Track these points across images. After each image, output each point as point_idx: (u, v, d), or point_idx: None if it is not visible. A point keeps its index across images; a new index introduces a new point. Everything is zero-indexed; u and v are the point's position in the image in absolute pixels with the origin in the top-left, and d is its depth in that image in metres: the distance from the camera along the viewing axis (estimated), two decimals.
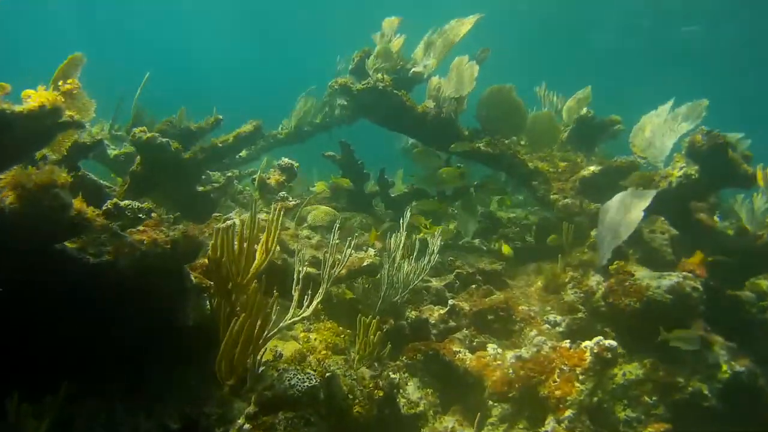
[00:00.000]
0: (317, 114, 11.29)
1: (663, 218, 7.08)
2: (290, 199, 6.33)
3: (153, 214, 4.92)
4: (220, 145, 7.89)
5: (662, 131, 7.10)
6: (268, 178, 6.95)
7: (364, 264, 5.95)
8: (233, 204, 8.73)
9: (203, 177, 8.76)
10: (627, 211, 6.14)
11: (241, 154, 10.37)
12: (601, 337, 5.07)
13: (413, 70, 8.41)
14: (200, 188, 8.18)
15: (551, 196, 7.69)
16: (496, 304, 6.16)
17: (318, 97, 11.35)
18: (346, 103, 8.54)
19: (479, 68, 7.77)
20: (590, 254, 6.70)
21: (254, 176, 7.98)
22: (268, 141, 11.04)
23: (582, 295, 6.15)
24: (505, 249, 7.23)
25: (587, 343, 5.10)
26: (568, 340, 5.38)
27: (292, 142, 11.31)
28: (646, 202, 5.87)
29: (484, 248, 8.92)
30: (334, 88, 8.14)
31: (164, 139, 6.53)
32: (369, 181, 9.35)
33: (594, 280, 6.31)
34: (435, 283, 6.97)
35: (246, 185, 9.35)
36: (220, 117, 8.04)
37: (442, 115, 7.67)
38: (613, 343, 5.00)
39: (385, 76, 7.68)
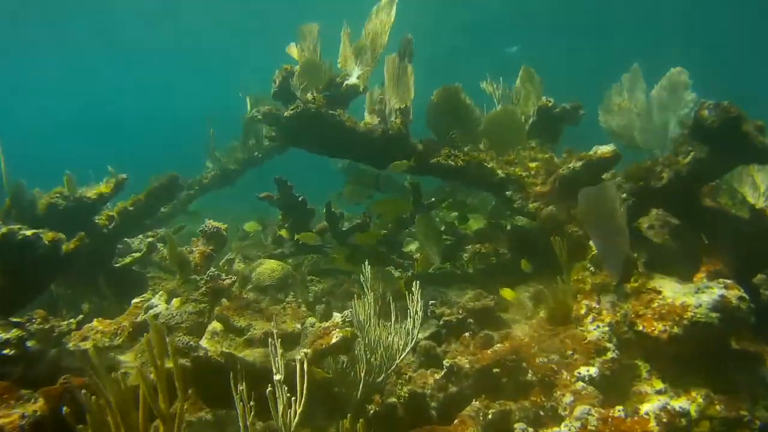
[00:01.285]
0: (241, 149, 9.76)
1: (658, 209, 5.90)
2: (223, 277, 4.82)
3: (29, 343, 3.48)
4: (131, 208, 6.37)
5: (655, 110, 5.88)
6: (190, 253, 5.41)
7: (333, 341, 4.51)
8: (160, 273, 7.17)
9: (120, 247, 7.21)
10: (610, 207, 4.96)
11: (162, 209, 8.79)
12: (665, 400, 3.77)
13: (346, 83, 7.01)
14: (118, 263, 6.65)
15: (530, 205, 6.41)
16: (503, 357, 4.83)
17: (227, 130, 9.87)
18: (274, 133, 7.00)
19: (412, 63, 6.47)
20: (600, 275, 5.41)
21: (160, 250, 6.50)
22: (193, 188, 9.47)
23: (607, 329, 4.85)
24: (507, 294, 5.86)
25: (648, 408, 3.83)
26: (620, 408, 4.04)
27: (220, 186, 9.75)
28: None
29: (458, 272, 7.60)
30: (257, 118, 6.67)
31: (29, 233, 4.77)
32: (314, 218, 7.89)
33: (607, 302, 5.07)
34: (418, 335, 5.58)
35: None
36: (124, 176, 6.53)
37: (390, 132, 6.28)
38: (685, 406, 3.71)
39: (315, 95, 6.24)
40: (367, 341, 4.43)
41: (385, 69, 6.42)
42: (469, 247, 8.28)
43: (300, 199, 7.54)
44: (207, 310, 4.80)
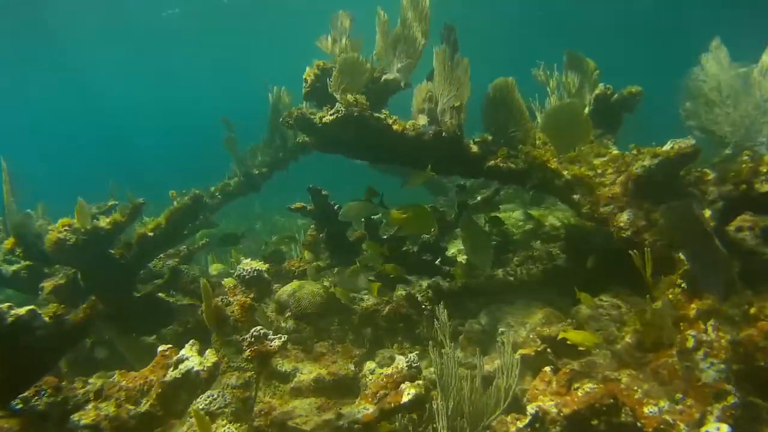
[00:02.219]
0: (265, 150, 8.90)
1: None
2: (271, 336, 3.97)
3: None
4: (151, 234, 5.59)
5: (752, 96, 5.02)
6: (227, 305, 4.54)
7: (404, 400, 3.70)
8: (187, 299, 6.38)
9: (142, 273, 6.44)
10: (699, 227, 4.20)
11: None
12: None
13: (385, 77, 6.15)
14: (138, 293, 5.89)
15: (602, 209, 5.56)
16: (599, 401, 4.02)
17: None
18: (308, 139, 6.15)
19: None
20: (706, 298, 4.56)
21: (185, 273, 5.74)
22: (215, 198, 8.64)
23: (723, 366, 4.02)
24: (579, 337, 4.90)
25: None
26: None
27: (245, 192, 8.91)
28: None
29: (512, 279, 6.79)
30: (287, 123, 5.82)
31: (22, 312, 3.65)
32: (351, 227, 7.07)
33: (718, 331, 4.24)
34: (486, 366, 4.80)
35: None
36: (141, 201, 5.75)
37: (443, 134, 5.43)
38: None
39: (357, 96, 5.37)
40: (448, 402, 3.60)
41: (434, 62, 5.54)
42: (516, 250, 7.52)
43: (336, 208, 6.72)
44: (254, 379, 3.98)
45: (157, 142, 52.77)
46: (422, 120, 5.63)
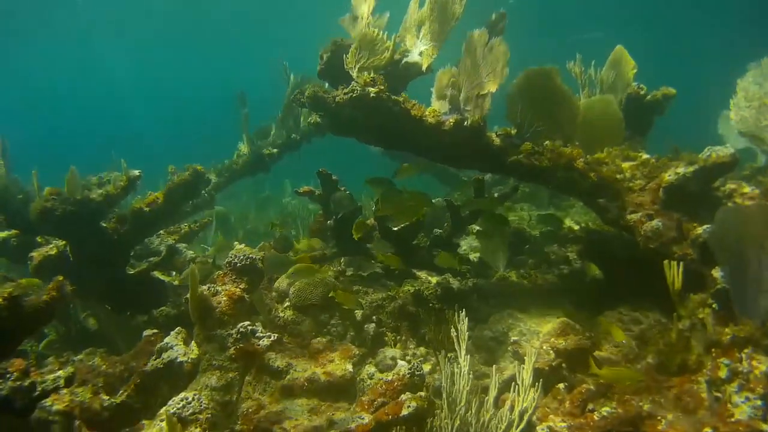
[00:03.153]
0: (278, 131, 8.40)
1: None
2: (260, 334, 3.51)
3: None
4: (147, 209, 5.16)
5: None
6: (214, 294, 4.07)
7: (404, 413, 3.27)
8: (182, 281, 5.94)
9: (137, 248, 6.02)
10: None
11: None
12: None
13: (405, 60, 5.69)
14: (133, 269, 5.47)
15: (628, 216, 5.09)
16: (617, 429, 3.60)
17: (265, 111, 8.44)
18: (320, 120, 5.69)
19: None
20: (745, 325, 4.08)
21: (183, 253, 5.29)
22: (222, 175, 8.17)
23: (760, 403, 3.56)
24: (617, 334, 4.45)
25: None
26: None
27: (252, 172, 8.42)
28: None
29: (526, 282, 6.32)
30: (299, 100, 5.36)
31: None
32: (361, 215, 6.60)
33: (748, 358, 3.78)
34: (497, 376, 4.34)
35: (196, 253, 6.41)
36: (137, 173, 5.31)
37: (465, 123, 4.94)
38: None
39: (375, 75, 4.90)
40: (454, 420, 3.17)
41: (464, 46, 5.06)
42: (528, 248, 7.06)
43: (347, 193, 6.27)
44: (236, 381, 3.54)
45: (158, 116, 51.89)
46: (442, 107, 5.16)
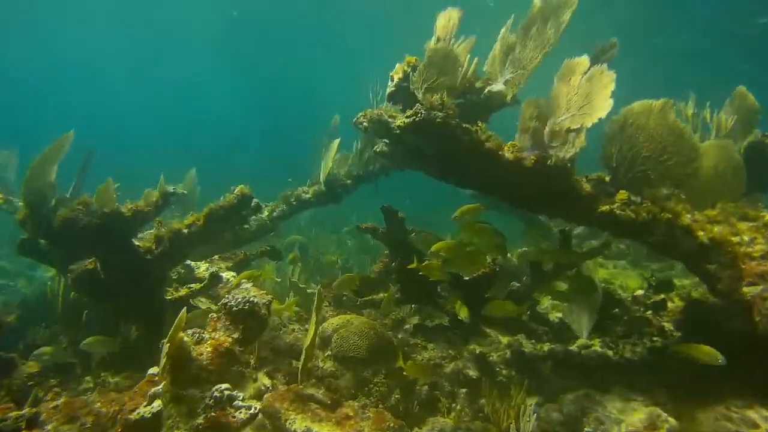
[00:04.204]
0: (356, 161, 7.67)
1: None
2: (240, 405, 2.71)
3: None
4: (186, 231, 4.54)
5: None
6: (199, 342, 3.28)
7: None
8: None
9: (181, 272, 5.42)
10: None
11: (247, 226, 6.89)
12: None
13: (488, 89, 4.87)
14: (170, 295, 4.86)
15: (745, 290, 4.01)
16: None
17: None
18: (386, 148, 4.90)
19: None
20: None
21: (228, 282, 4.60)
22: (288, 202, 7.50)
23: None
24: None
25: None
26: None
27: (323, 203, 7.70)
28: None
29: (612, 354, 5.26)
30: (362, 125, 4.61)
31: None
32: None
33: None
34: None
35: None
36: (172, 189, 4.70)
37: (549, 162, 4.03)
38: None
39: (444, 98, 4.07)
40: None
41: (558, 74, 4.16)
42: (625, 318, 5.94)
43: (414, 235, 5.44)
44: None
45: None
46: (524, 142, 4.27)
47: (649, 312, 5.94)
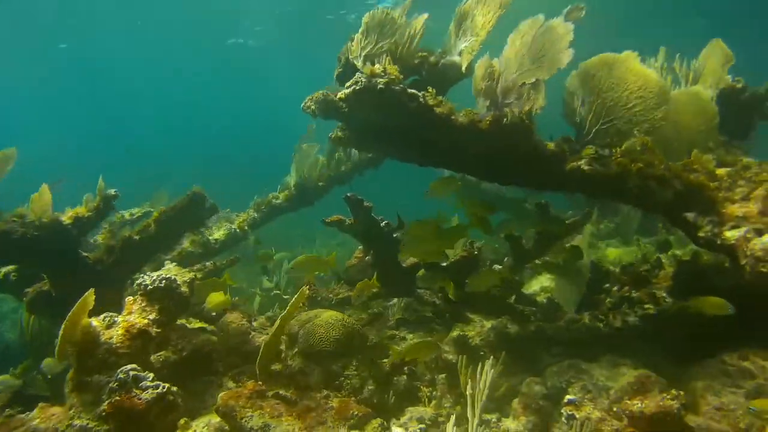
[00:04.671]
0: (328, 164, 7.35)
1: None
2: (147, 384, 2.39)
3: None
4: (137, 237, 4.25)
5: None
6: (109, 326, 2.93)
7: None
8: (196, 322, 4.93)
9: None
10: None
11: (215, 236, 6.58)
12: None
13: (444, 60, 4.59)
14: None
15: (727, 233, 3.69)
16: None
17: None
18: (341, 133, 4.60)
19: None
20: None
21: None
22: (260, 211, 7.19)
23: None
24: None
25: None
26: None
27: (296, 208, 7.39)
28: None
29: (602, 326, 4.93)
30: (310, 108, 4.32)
31: None
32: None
33: None
34: None
35: None
36: (112, 192, 4.42)
37: (505, 120, 3.72)
38: None
39: (387, 67, 3.78)
40: None
41: (518, 30, 3.84)
42: (613, 288, 5.59)
43: (383, 224, 5.13)
44: None
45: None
46: (481, 103, 3.97)
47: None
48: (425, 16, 4.62)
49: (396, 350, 4.04)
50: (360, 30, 4.05)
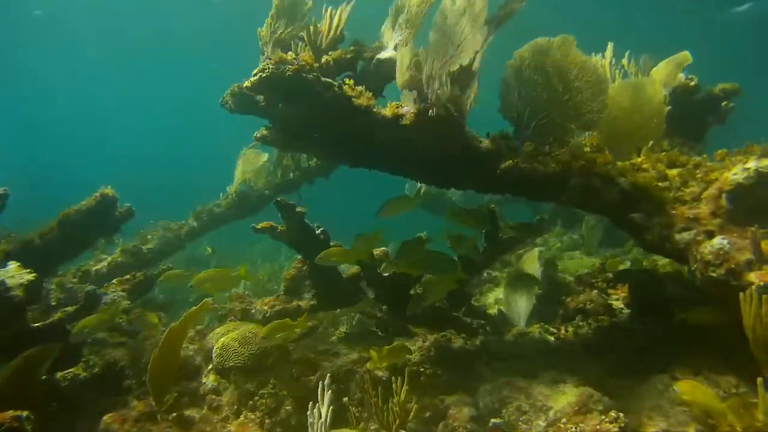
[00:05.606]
0: (274, 171, 6.86)
1: None
2: None
3: None
4: (39, 241, 3.82)
5: None
6: None
7: None
8: (115, 336, 4.41)
9: (61, 297, 4.62)
10: None
11: (149, 245, 6.08)
12: None
13: (379, 55, 4.17)
14: (37, 324, 4.06)
15: (677, 236, 3.27)
16: None
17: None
18: (266, 132, 4.14)
19: (495, 28, 3.44)
20: None
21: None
22: (200, 219, 6.68)
23: None
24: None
25: None
26: None
27: (239, 216, 6.88)
28: None
29: (552, 338, 4.50)
30: (228, 104, 3.87)
31: None
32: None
33: None
34: None
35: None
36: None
37: (431, 112, 3.28)
38: None
39: (303, 55, 3.32)
40: None
41: (438, 13, 3.42)
42: (567, 299, 5.14)
43: (318, 232, 4.66)
44: None
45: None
46: (408, 100, 3.53)
47: (594, 291, 5.17)
48: (352, 4, 4.21)
49: (374, 355, 3.58)
50: (270, 13, 3.61)
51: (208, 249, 7.96)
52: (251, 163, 6.48)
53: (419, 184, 10.53)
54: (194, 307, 3.34)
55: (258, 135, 4.21)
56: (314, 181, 6.82)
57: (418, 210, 10.25)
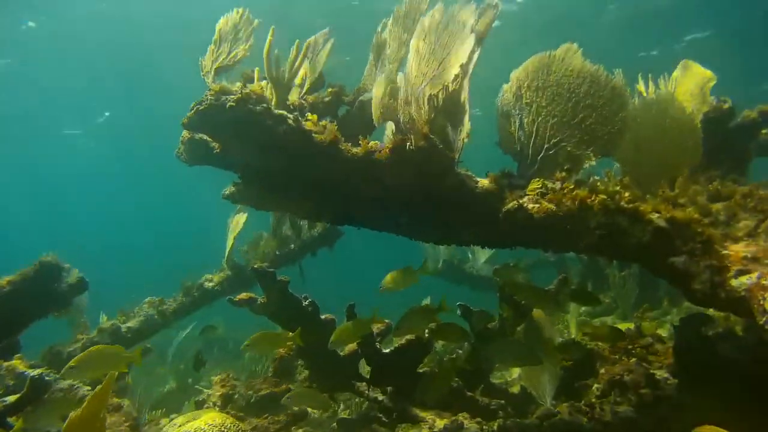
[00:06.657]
0: (272, 240, 6.16)
1: None
2: None
3: None
4: None
5: None
6: None
7: None
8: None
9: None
10: None
11: (130, 323, 5.37)
12: None
13: (362, 97, 3.56)
14: None
15: (733, 281, 2.46)
16: None
17: None
18: (233, 188, 3.49)
19: (480, 43, 2.80)
20: None
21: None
22: (190, 295, 5.95)
23: None
24: None
25: None
26: None
27: (233, 291, 6.12)
28: None
29: (584, 419, 3.62)
30: (182, 155, 3.25)
31: None
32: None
33: None
34: None
35: None
36: None
37: (409, 144, 2.59)
38: None
39: (256, 86, 2.69)
40: None
41: (416, 34, 2.79)
42: (601, 370, 4.24)
43: (306, 303, 3.91)
44: None
45: None
46: (388, 129, 2.86)
47: (632, 359, 4.29)
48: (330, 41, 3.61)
49: None
50: (213, 39, 3.03)
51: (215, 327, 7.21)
52: (239, 230, 5.82)
53: (440, 250, 9.82)
54: (97, 388, 2.53)
55: (226, 193, 3.55)
56: (316, 250, 6.12)
57: (439, 280, 9.44)
